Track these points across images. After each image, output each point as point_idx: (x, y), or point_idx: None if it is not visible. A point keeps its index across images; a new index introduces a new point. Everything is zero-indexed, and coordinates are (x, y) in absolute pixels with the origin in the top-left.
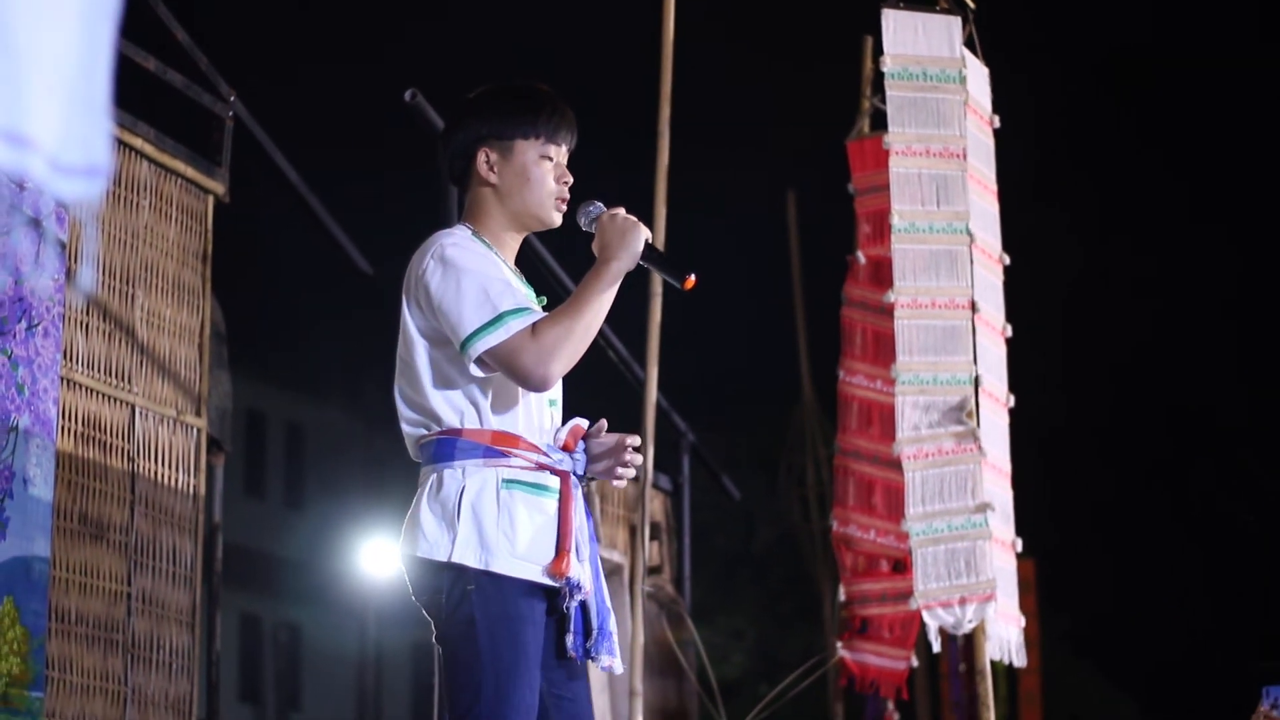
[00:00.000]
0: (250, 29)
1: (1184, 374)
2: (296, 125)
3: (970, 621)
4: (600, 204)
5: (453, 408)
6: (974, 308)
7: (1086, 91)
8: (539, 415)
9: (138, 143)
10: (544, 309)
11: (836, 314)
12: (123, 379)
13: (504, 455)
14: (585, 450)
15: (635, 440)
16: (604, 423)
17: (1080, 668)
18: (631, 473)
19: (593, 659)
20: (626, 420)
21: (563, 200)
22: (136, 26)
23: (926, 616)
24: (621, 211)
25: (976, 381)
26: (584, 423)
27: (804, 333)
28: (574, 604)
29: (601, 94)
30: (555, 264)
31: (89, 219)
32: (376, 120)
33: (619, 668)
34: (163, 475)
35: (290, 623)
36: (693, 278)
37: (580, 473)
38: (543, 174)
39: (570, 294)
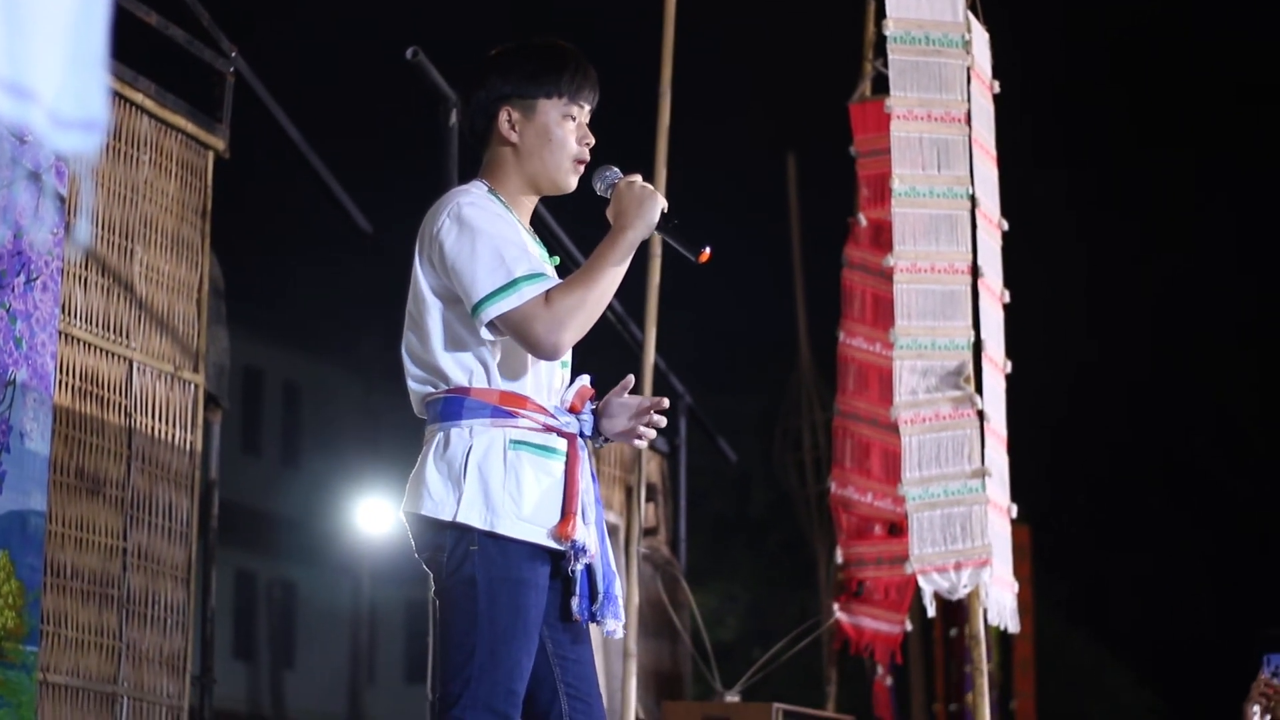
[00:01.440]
0: None
1: (1183, 343)
2: (298, 82)
3: (965, 586)
4: (617, 170)
5: (461, 367)
6: (976, 272)
7: (1086, 59)
8: (549, 376)
9: (138, 98)
10: (556, 269)
11: (835, 277)
12: (121, 334)
13: (511, 415)
14: (601, 409)
15: (665, 403)
16: (630, 379)
17: (1075, 635)
18: (653, 434)
19: (598, 622)
20: (621, 379)
21: (581, 162)
22: None
23: (922, 581)
24: (639, 179)
25: (978, 346)
26: (588, 381)
27: (802, 296)
28: (579, 567)
29: (602, 52)
30: (557, 225)
31: (86, 173)
32: (378, 78)
33: (622, 632)
34: (160, 431)
35: (285, 580)
36: (708, 251)
37: (588, 434)
38: (564, 134)
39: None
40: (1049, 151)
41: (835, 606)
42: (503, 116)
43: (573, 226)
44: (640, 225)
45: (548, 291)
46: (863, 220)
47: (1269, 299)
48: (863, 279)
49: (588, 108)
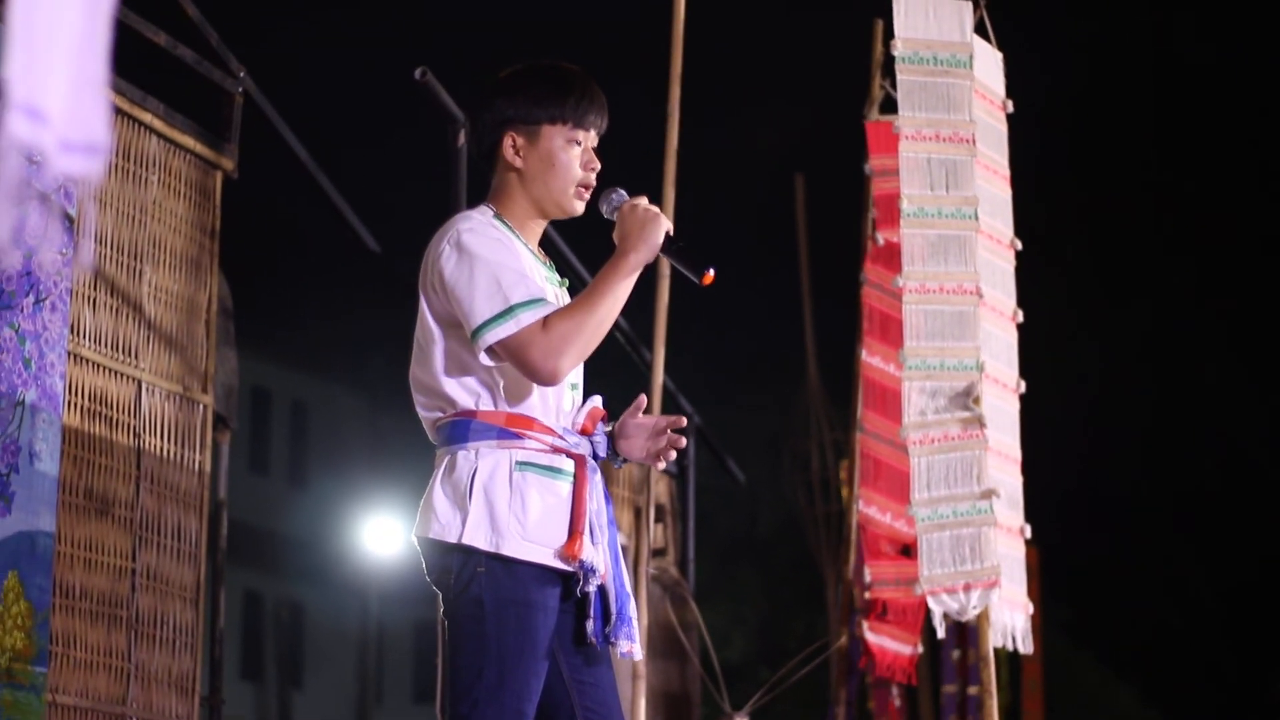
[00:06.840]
0: (262, 5)
1: (1186, 365)
2: (307, 102)
3: (974, 608)
4: (623, 192)
5: (468, 391)
6: (979, 294)
7: (1102, 77)
8: (557, 398)
9: (147, 118)
10: (567, 290)
11: (843, 296)
12: (129, 354)
13: (518, 437)
14: (617, 431)
15: (681, 421)
16: (643, 399)
17: (1082, 656)
18: (673, 455)
19: (612, 644)
20: (633, 400)
21: (587, 187)
22: (147, 1)
23: (931, 602)
24: (643, 201)
25: (982, 368)
26: (599, 402)
27: (810, 316)
28: (591, 588)
29: (610, 71)
30: (569, 251)
31: (89, 195)
32: (387, 98)
33: (639, 653)
34: (168, 451)
35: (293, 600)
36: (711, 273)
37: (602, 455)
38: (569, 160)
39: (587, 284)
40: (1064, 171)
41: (866, 626)
42: (507, 142)
43: (580, 248)
44: (644, 248)
45: (546, 317)
46: (880, 239)
47: (1270, 318)
48: (880, 298)
49: (594, 132)
